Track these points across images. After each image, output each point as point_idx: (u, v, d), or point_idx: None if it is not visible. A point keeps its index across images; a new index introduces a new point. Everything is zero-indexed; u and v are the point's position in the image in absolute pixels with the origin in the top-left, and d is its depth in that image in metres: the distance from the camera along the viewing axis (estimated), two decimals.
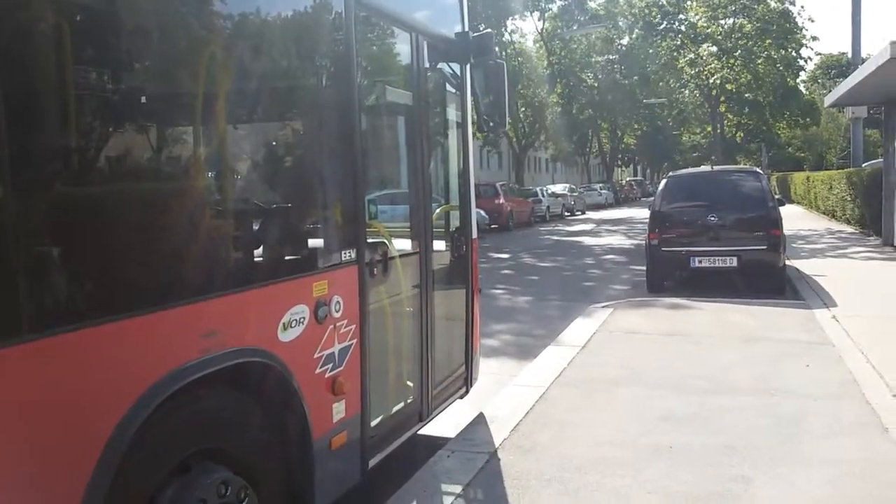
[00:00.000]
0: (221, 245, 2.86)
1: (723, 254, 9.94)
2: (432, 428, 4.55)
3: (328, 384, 3.20)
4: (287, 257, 3.25)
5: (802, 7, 50.13)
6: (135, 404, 2.25)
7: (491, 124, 4.94)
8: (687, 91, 46.81)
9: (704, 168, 13.35)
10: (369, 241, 3.59)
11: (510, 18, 35.98)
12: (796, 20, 39.97)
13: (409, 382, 4.10)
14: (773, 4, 39.59)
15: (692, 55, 42.36)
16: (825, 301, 8.78)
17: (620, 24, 45.85)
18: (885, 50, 10.91)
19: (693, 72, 42.47)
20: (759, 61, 39.02)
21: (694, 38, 42.33)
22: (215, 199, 2.93)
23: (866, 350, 6.26)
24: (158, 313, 2.39)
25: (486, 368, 5.84)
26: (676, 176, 11.75)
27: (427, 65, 4.25)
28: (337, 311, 3.24)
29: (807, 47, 40.98)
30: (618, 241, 20.50)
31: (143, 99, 2.69)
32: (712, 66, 41.53)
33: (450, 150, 4.89)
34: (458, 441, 4.40)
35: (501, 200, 24.42)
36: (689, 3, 41.84)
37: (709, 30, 41.04)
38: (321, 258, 3.29)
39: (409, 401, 4.07)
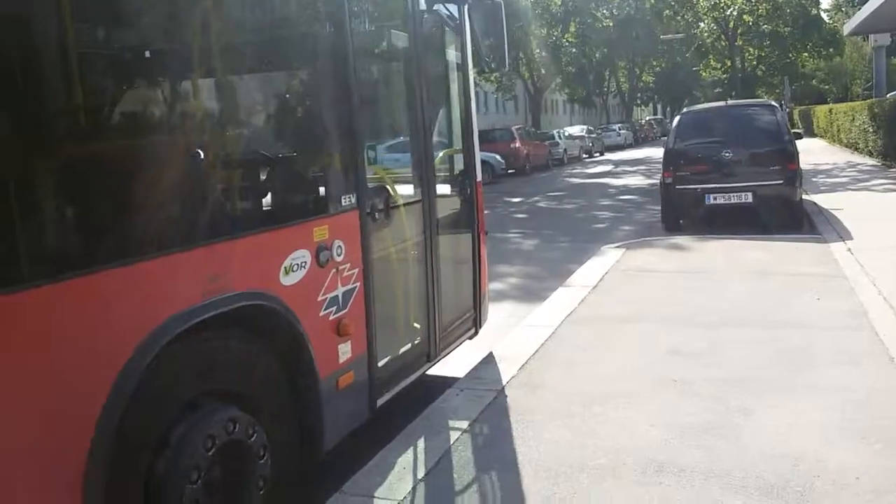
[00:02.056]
0: (222, 192, 2.97)
1: (738, 190, 9.84)
2: (443, 368, 4.66)
3: (333, 326, 3.31)
4: (286, 203, 3.35)
5: None
6: (140, 346, 2.35)
7: (492, 65, 4.97)
8: (703, 25, 45.55)
9: (718, 103, 13.10)
10: (370, 186, 3.66)
11: None
12: None
13: (415, 324, 4.20)
14: None
15: None
16: (841, 234, 8.71)
17: None
18: None
19: (709, 4, 41.26)
20: None
21: None
22: (215, 147, 2.97)
23: (879, 282, 6.23)
24: (161, 258, 2.49)
25: (498, 311, 5.93)
26: (690, 112, 11.59)
27: (423, 6, 4.23)
28: (339, 255, 3.33)
29: None
30: (635, 181, 20.34)
31: (147, 49, 2.75)
32: None
33: (451, 94, 4.87)
34: (467, 380, 4.49)
35: (517, 144, 24.23)
36: None
37: None
38: (321, 204, 3.39)
39: (416, 342, 4.16)
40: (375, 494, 3.17)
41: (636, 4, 44.59)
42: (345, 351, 3.40)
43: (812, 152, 20.76)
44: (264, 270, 2.94)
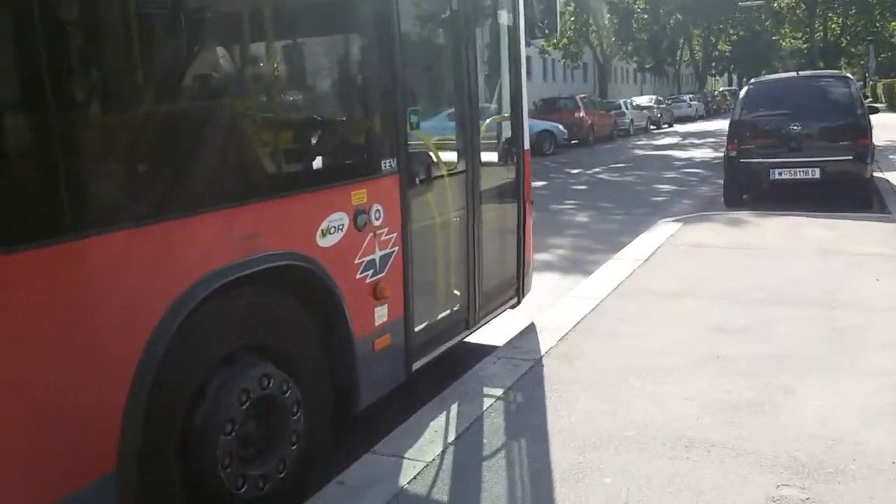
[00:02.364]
0: (259, 153, 3.04)
1: (804, 165, 9.49)
2: (483, 336, 4.71)
3: (369, 289, 3.39)
4: (325, 166, 3.41)
5: None
6: (178, 299, 2.45)
7: (544, 30, 4.96)
8: None
9: (789, 74, 12.60)
10: (413, 151, 3.67)
11: None
12: None
13: (455, 291, 4.23)
14: None
15: None
16: None
17: None
18: None
19: None
20: None
21: None
22: (255, 109, 3.07)
23: None
24: (201, 216, 2.58)
25: (545, 282, 5.94)
26: (759, 83, 11.18)
27: None
28: (377, 220, 3.38)
29: None
30: (702, 154, 19.84)
31: (197, 13, 2.84)
32: None
33: (501, 59, 4.81)
34: (506, 349, 4.53)
35: (582, 114, 23.84)
36: None
37: None
38: (360, 168, 3.43)
39: (455, 308, 4.20)
40: (406, 455, 3.24)
41: None
42: (381, 314, 3.47)
43: (891, 128, 19.81)
44: (302, 231, 3.01)
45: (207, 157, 2.65)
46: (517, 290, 4.93)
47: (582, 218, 10.59)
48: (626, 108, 30.26)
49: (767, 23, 49.60)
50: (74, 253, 2.17)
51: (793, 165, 9.56)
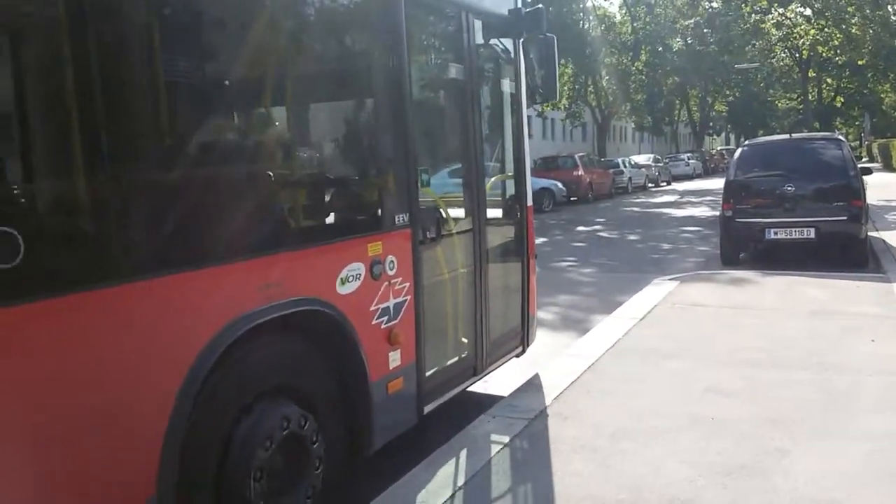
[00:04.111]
0: (286, 209, 3.30)
1: (800, 225, 9.61)
2: (490, 386, 4.75)
3: (384, 335, 3.61)
4: (344, 220, 3.67)
5: None
6: (210, 341, 2.65)
7: (544, 95, 5.24)
8: (775, 55, 44.43)
9: (782, 136, 12.82)
10: (422, 207, 3.93)
11: None
12: None
13: (463, 339, 4.44)
14: None
15: (778, 16, 40.06)
16: None
17: None
18: None
19: (780, 34, 40.26)
20: (854, 21, 36.42)
21: None
22: (279, 167, 3.30)
23: None
24: (229, 265, 2.79)
25: (541, 339, 5.95)
26: (752, 144, 11.38)
27: (479, 41, 4.53)
28: (391, 270, 3.64)
29: None
30: (700, 212, 20.00)
31: (227, 77, 3.11)
32: (801, 27, 39.23)
33: (504, 122, 5.11)
34: (501, 406, 4.53)
35: (580, 172, 24.14)
36: None
37: None
38: (376, 222, 3.67)
39: (463, 355, 4.41)
40: None
41: (709, 33, 43.93)
42: (395, 358, 3.69)
43: (887, 187, 20.05)
44: (322, 279, 3.25)
45: (232, 211, 2.88)
46: (522, 339, 5.12)
47: (581, 276, 10.65)
48: (625, 167, 30.62)
49: (762, 84, 50.56)
50: (109, 298, 2.35)
51: (788, 225, 9.67)
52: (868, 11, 35.61)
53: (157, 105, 2.67)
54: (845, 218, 9.44)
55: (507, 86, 5.01)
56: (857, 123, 53.34)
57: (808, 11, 39.84)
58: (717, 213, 12.02)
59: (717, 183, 29.76)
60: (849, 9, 36.47)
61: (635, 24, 40.88)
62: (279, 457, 2.98)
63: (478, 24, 4.47)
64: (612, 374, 5.15)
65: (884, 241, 11.04)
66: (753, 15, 40.30)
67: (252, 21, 3.08)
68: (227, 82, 3.09)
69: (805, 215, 9.61)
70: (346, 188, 3.76)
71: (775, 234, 9.80)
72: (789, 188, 9.72)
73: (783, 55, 44.47)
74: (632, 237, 15.23)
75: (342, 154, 3.84)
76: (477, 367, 4.49)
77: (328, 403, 3.31)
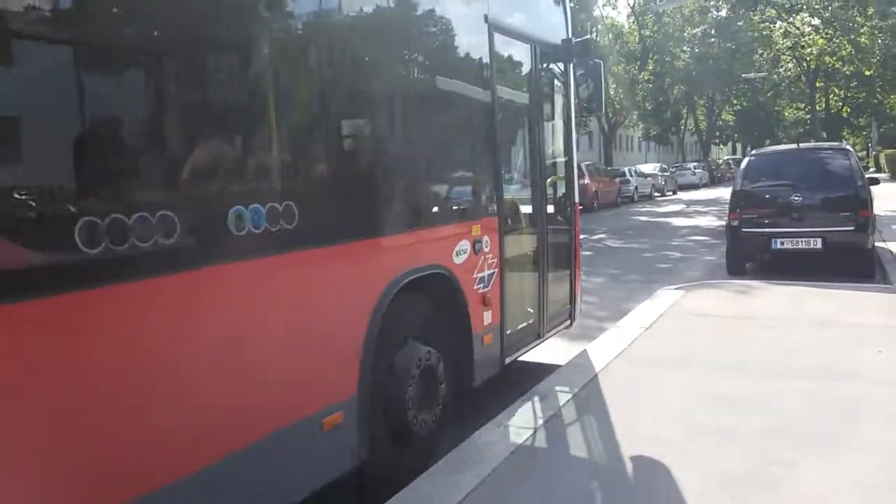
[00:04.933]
0: (428, 198, 4.33)
1: (806, 235, 9.58)
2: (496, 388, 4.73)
3: (481, 298, 4.62)
4: (459, 208, 4.60)
5: None
6: (385, 289, 3.66)
7: (591, 109, 6.43)
8: (782, 65, 44.41)
9: (789, 146, 12.81)
10: (505, 201, 4.93)
11: None
12: None
13: (529, 308, 5.44)
14: None
15: (786, 25, 40.05)
16: None
17: None
18: None
19: (788, 44, 40.24)
20: (862, 31, 36.37)
21: (790, 7, 39.98)
22: (425, 173, 4.36)
23: None
24: (397, 235, 3.84)
25: (548, 347, 5.95)
26: (759, 154, 11.36)
27: (542, 66, 5.58)
28: (486, 248, 4.66)
29: None
30: (706, 222, 19.98)
31: (416, 115, 4.16)
32: (809, 37, 39.21)
33: (557, 132, 6.09)
34: (504, 416, 4.50)
35: (586, 181, 24.09)
36: None
37: None
38: (477, 210, 4.70)
39: (530, 322, 5.41)
40: None
41: (717, 42, 43.97)
42: (487, 318, 4.69)
43: (894, 197, 19.95)
44: (444, 251, 4.28)
45: (396, 200, 3.90)
46: (570, 314, 6.14)
47: (587, 284, 10.59)
48: (631, 176, 30.61)
49: (769, 94, 50.51)
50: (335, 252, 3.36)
51: (794, 235, 9.64)
52: (877, 21, 35.58)
53: (397, 125, 3.97)
54: (852, 228, 9.41)
55: (560, 103, 5.99)
56: (864, 133, 53.16)
57: (817, 21, 39.83)
58: (724, 223, 12.02)
59: (724, 192, 29.79)
60: (857, 18, 36.45)
61: (643, 33, 40.92)
62: (420, 382, 3.96)
63: (540, 52, 5.48)
64: (616, 383, 5.13)
65: (891, 251, 10.99)
66: (761, 24, 40.34)
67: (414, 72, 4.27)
68: (415, 119, 4.21)
69: (812, 225, 9.58)
70: (460, 186, 4.75)
71: (782, 243, 9.78)
72: (796, 198, 9.70)
73: (790, 65, 44.44)
74: (637, 246, 15.21)
75: (457, 161, 4.80)
76: (539, 332, 5.51)
77: (447, 350, 4.28)
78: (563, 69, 5.91)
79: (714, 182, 44.98)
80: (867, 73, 39.56)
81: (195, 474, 2.58)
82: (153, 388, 2.46)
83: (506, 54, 5.17)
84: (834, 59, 39.41)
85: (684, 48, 43.98)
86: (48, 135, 2.29)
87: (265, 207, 2.85)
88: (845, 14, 36.97)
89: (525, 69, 5.41)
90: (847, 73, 41.00)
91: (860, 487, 3.46)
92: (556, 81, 5.90)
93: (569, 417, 4.49)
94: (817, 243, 9.54)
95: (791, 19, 40.17)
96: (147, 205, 2.41)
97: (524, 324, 5.28)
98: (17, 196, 2.16)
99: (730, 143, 72.42)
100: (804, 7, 39.57)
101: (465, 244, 4.40)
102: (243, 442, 2.80)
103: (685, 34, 43.06)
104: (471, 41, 4.62)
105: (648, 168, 36.61)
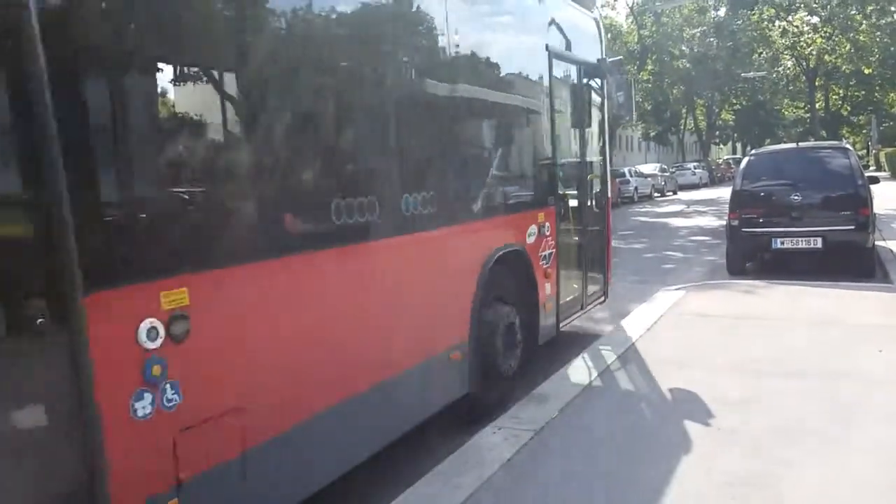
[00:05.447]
0: (512, 192, 5.46)
1: (806, 234, 9.58)
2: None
3: (543, 272, 5.72)
4: (531, 200, 5.73)
5: None
6: (485, 260, 4.82)
7: (622, 115, 7.73)
8: (781, 64, 44.43)
9: (789, 145, 12.81)
10: (560, 194, 6.12)
11: None
12: None
13: (575, 284, 6.53)
14: None
15: (784, 24, 40.08)
16: None
17: None
18: None
19: (787, 42, 40.27)
20: (861, 30, 36.38)
21: (788, 6, 39.99)
22: (511, 173, 5.70)
23: None
24: (494, 219, 5.09)
25: (552, 347, 5.97)
26: (759, 153, 11.36)
27: (585, 81, 6.65)
28: (547, 232, 5.79)
29: None
30: (706, 222, 19.98)
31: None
32: (807, 36, 39.25)
33: (595, 137, 7.08)
34: (507, 419, 4.55)
35: None
36: None
37: None
38: (542, 201, 5.84)
39: (576, 295, 6.53)
40: None
41: (715, 42, 43.96)
42: (547, 289, 5.79)
43: (894, 196, 19.95)
44: (520, 234, 5.40)
45: (497, 193, 5.23)
46: (604, 291, 7.20)
47: None
48: (631, 176, 30.60)
49: (768, 94, 50.48)
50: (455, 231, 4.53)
51: (794, 235, 9.65)
52: (875, 19, 35.59)
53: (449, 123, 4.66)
54: (852, 227, 9.42)
55: (598, 112, 7.06)
56: (864, 132, 53.15)
57: (815, 19, 39.86)
58: (724, 223, 12.02)
59: (724, 192, 29.77)
60: (856, 16, 36.46)
61: (642, 33, 40.92)
62: (506, 334, 5.02)
63: (583, 70, 6.58)
64: (618, 385, 5.15)
65: (891, 250, 11.00)
66: (760, 23, 40.37)
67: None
68: (506, 131, 5.60)
69: (812, 225, 9.59)
70: (532, 183, 5.87)
71: (782, 243, 9.78)
72: (796, 197, 9.71)
73: (790, 64, 44.45)
74: (638, 246, 15.22)
75: (528, 159, 5.94)
76: (583, 304, 6.65)
77: (520, 312, 5.27)
78: (599, 83, 6.91)
79: (714, 182, 44.91)
80: (866, 71, 39.56)
81: (382, 382, 3.77)
82: (367, 321, 3.68)
83: (560, 75, 6.25)
84: (833, 57, 39.43)
85: (683, 48, 43.96)
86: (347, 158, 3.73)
87: (418, 196, 4.02)
88: (844, 12, 36.99)
89: (573, 86, 6.51)
90: (846, 71, 41.01)
91: (861, 487, 3.47)
92: (594, 94, 6.91)
93: (573, 419, 4.51)
94: (817, 242, 9.55)
95: (790, 18, 40.18)
96: (361, 193, 3.58)
97: (572, 296, 6.39)
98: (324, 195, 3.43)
99: (729, 143, 72.38)
100: (802, 6, 39.59)
101: (533, 228, 5.54)
102: (412, 363, 4.07)
103: (684, 34, 43.03)
104: (538, 67, 5.82)
105: (648, 168, 36.60)
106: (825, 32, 38.72)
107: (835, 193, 9.73)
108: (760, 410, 4.52)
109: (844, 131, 51.49)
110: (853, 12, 36.51)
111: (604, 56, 6.99)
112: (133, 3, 2.59)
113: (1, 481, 2.18)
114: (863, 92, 45.98)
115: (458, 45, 4.57)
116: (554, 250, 5.82)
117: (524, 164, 5.88)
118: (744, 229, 10.01)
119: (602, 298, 7.16)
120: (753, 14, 40.07)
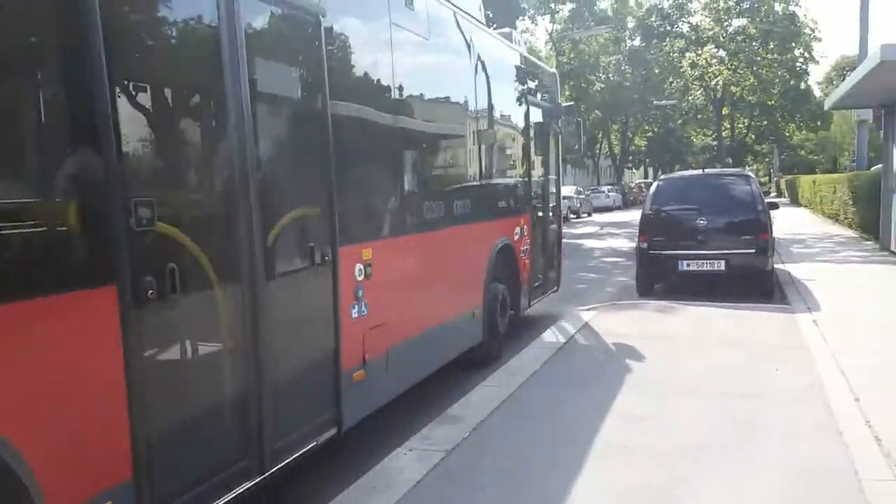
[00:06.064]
0: (508, 201, 7.61)
1: (710, 257, 9.97)
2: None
3: (523, 262, 7.71)
4: (518, 208, 7.84)
5: (807, 11, 50.26)
6: (491, 250, 6.88)
7: (574, 150, 10.64)
8: (691, 93, 46.51)
9: (695, 171, 13.34)
10: (533, 205, 8.34)
11: (520, 18, 35.98)
12: (802, 23, 39.73)
13: (539, 274, 8.59)
14: (777, 7, 39.36)
15: (693, 56, 42.08)
16: (809, 305, 8.81)
17: (629, 24, 45.77)
18: (875, 54, 10.91)
19: (696, 73, 42.23)
20: (764, 64, 38.58)
21: (696, 39, 42.04)
22: (508, 187, 7.85)
23: (839, 355, 6.30)
24: (497, 220, 7.19)
25: (459, 371, 5.97)
26: (668, 179, 11.79)
27: (542, 121, 8.75)
28: (525, 232, 7.83)
29: (810, 55, 40.73)
30: (619, 243, 20.49)
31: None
32: (714, 68, 41.27)
33: (551, 164, 9.21)
34: (418, 440, 4.51)
35: None
36: (693, 4, 41.74)
37: (711, 32, 40.80)
38: (523, 209, 7.97)
39: (540, 282, 8.61)
40: None
41: (631, 71, 45.55)
42: (524, 275, 7.80)
43: (794, 222, 21.05)
44: (510, 231, 7.39)
45: (503, 201, 7.53)
46: (557, 281, 9.42)
47: None
48: None
49: (679, 121, 52.63)
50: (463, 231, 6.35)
51: (699, 258, 10.01)
52: (776, 55, 37.73)
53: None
54: (753, 251, 9.85)
55: (555, 145, 9.33)
56: (767, 160, 55.93)
57: (722, 53, 41.89)
58: (635, 245, 12.35)
59: (636, 215, 30.53)
60: (759, 51, 38.60)
61: (560, 59, 42.00)
62: (501, 304, 7.04)
63: (544, 112, 8.73)
64: (529, 403, 5.20)
65: (789, 272, 11.55)
66: (671, 54, 42.16)
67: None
68: (508, 160, 8.07)
69: (716, 248, 9.98)
70: (521, 194, 8.02)
71: (688, 265, 10.13)
72: (701, 222, 10.09)
73: (699, 93, 46.46)
74: None
75: (517, 180, 8.14)
76: (544, 291, 8.84)
77: (509, 290, 7.25)
78: (557, 123, 9.25)
79: (627, 205, 46.24)
80: (769, 102, 41.76)
81: (448, 320, 5.85)
82: (445, 280, 5.92)
83: (534, 119, 8.38)
84: (739, 88, 41.47)
85: (599, 75, 45.36)
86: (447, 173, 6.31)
87: (461, 202, 6.18)
88: (749, 47, 39.05)
89: (541, 125, 8.70)
90: (751, 101, 43.16)
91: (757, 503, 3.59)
92: (552, 131, 9.14)
93: (484, 434, 4.51)
94: (721, 265, 9.94)
95: (699, 51, 42.09)
96: (455, 196, 6.16)
97: (537, 283, 8.43)
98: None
99: (642, 168, 74.86)
100: (710, 40, 41.56)
101: (518, 228, 7.59)
102: (454, 315, 6.02)
103: (600, 61, 44.43)
104: (521, 111, 8.11)
105: (565, 190, 37.31)
106: (731, 65, 40.72)
107: (737, 218, 10.16)
108: (665, 429, 4.63)
109: (749, 159, 54.06)
110: (756, 47, 38.60)
111: (559, 102, 9.41)
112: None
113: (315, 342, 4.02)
114: (765, 122, 48.43)
115: (493, 107, 7.01)
116: (529, 246, 7.89)
117: (516, 180, 8.10)
118: (652, 251, 10.33)
119: (556, 288, 9.34)
120: (665, 45, 41.76)
